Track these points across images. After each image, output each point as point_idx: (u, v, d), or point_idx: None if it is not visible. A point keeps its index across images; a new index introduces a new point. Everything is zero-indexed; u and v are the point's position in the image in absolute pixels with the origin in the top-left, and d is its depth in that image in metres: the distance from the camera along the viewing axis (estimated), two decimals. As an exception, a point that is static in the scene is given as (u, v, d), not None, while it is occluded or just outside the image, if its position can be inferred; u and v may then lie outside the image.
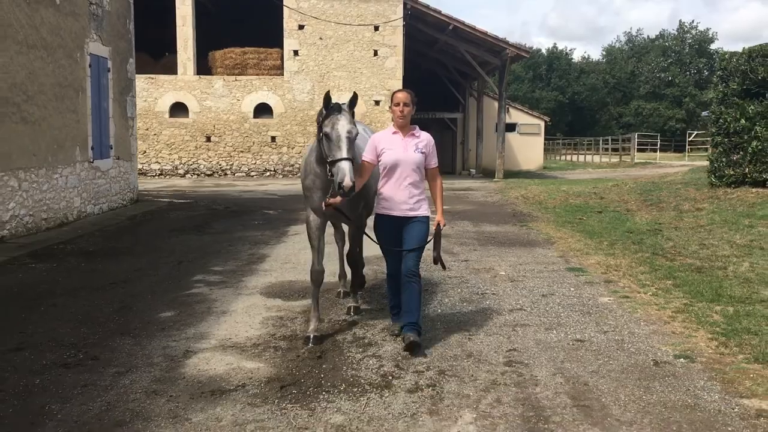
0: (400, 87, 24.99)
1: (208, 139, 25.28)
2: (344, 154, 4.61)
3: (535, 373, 4.46)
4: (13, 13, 9.80)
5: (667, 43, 71.53)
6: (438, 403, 3.99)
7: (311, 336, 5.08)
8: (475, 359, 4.74)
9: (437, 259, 5.09)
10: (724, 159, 14.44)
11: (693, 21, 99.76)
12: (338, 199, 4.78)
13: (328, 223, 5.56)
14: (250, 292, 6.77)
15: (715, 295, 6.34)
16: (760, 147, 13.20)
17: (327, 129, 4.73)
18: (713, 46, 68.84)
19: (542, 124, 36.16)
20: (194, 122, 25.16)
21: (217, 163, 25.34)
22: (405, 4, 24.88)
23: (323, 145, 4.80)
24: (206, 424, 3.70)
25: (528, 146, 35.28)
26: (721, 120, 14.57)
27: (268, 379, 4.36)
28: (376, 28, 25.02)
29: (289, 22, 24.82)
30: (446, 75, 33.01)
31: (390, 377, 4.39)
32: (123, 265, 8.19)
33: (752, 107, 13.56)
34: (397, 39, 25.16)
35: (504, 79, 26.86)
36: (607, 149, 42.10)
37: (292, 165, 25.19)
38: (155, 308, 6.13)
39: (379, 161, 5.10)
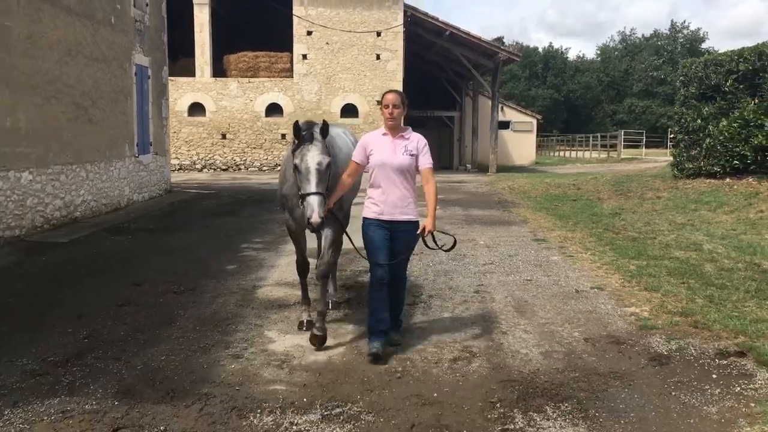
0: (401, 88, 27.18)
1: (224, 136, 27.40)
2: (312, 188, 4.53)
3: (494, 297, 6.62)
4: (82, 33, 11.92)
5: (659, 42, 73.64)
6: (427, 310, 6.14)
7: (304, 320, 5.58)
8: (454, 290, 6.90)
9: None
10: (684, 154, 16.59)
11: (685, 21, 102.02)
12: (329, 206, 4.84)
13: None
14: (288, 254, 8.90)
15: (637, 255, 8.49)
16: (712, 143, 15.29)
17: (297, 161, 4.67)
18: (704, 45, 70.96)
19: (535, 122, 38.29)
20: (211, 121, 27.29)
21: (232, 158, 27.47)
22: (405, 12, 26.98)
23: (295, 175, 4.78)
24: (280, 318, 5.87)
25: (521, 143, 37.41)
26: (682, 120, 16.74)
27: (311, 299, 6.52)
28: (379, 34, 27.12)
29: (298, 29, 26.92)
30: (444, 76, 35.08)
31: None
32: (181, 238, 10.33)
33: (706, 109, 15.68)
34: (398, 44, 27.26)
35: (497, 80, 28.96)
36: (597, 146, 44.19)
37: (301, 160, 27.30)
38: (221, 263, 8.29)
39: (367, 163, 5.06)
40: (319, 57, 27.15)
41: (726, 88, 15.18)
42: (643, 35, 77.82)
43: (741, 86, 14.84)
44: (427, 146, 5.07)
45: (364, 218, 5.06)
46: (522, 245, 9.58)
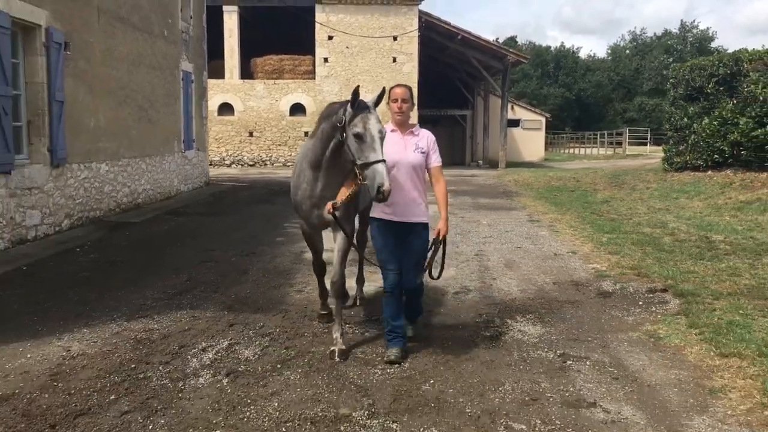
0: (416, 89, 29.05)
1: (251, 134, 29.41)
2: (380, 155, 4.33)
3: (490, 258, 8.51)
4: (143, 46, 13.90)
5: (670, 42, 74.92)
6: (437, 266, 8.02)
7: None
8: (458, 253, 8.79)
9: (426, 268, 4.91)
10: (673, 149, 18.36)
11: (694, 20, 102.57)
12: (342, 197, 4.64)
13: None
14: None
15: (611, 230, 10.34)
16: (696, 140, 17.03)
17: (358, 129, 4.42)
18: (714, 44, 72.21)
19: (543, 120, 40.01)
20: (239, 120, 29.32)
21: (258, 155, 29.48)
22: (420, 17, 28.83)
23: (349, 146, 4.49)
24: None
25: (531, 140, 39.16)
26: (671, 118, 18.50)
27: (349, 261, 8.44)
28: (395, 38, 29.00)
29: (320, 34, 28.87)
30: (456, 76, 36.89)
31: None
32: (231, 219, 12.28)
33: (692, 108, 17.43)
34: (413, 47, 29.12)
35: (506, 81, 30.76)
36: (605, 143, 45.80)
37: (323, 156, 29.27)
38: (271, 237, 10.23)
39: None
40: (340, 60, 29.07)
41: (708, 90, 16.91)
42: (655, 34, 79.23)
43: (721, 88, 16.57)
44: (436, 143, 4.88)
45: (371, 218, 4.86)
46: (518, 224, 11.45)
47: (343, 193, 4.64)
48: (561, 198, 15.94)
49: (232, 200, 15.84)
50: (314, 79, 29.24)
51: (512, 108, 37.39)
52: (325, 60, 29.11)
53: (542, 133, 40.16)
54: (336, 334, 4.97)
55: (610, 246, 9.08)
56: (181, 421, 3.79)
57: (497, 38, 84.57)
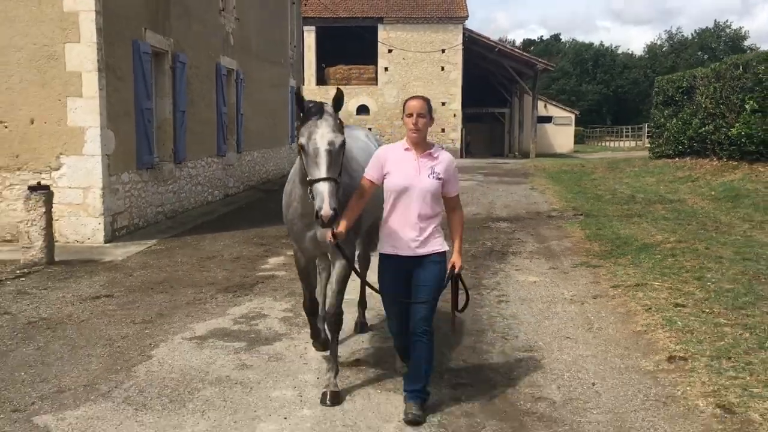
0: (460, 93, 35.36)
1: (369, 129, 36.13)
2: (322, 172, 3.65)
3: (496, 203, 14.87)
4: (270, 72, 20.56)
5: (704, 41, 79.04)
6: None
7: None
8: (473, 202, 15.12)
9: (452, 318, 4.22)
10: (655, 142, 24.27)
11: (727, 20, 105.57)
12: (341, 232, 3.95)
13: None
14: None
15: (576, 192, 16.52)
16: (668, 135, 22.86)
17: (302, 139, 3.80)
18: (746, 43, 76.18)
19: (573, 117, 45.75)
20: (315, 118, 36.05)
21: (330, 147, 36.18)
22: (464, 33, 35.02)
23: (301, 159, 3.88)
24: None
25: (561, 134, 44.92)
26: (654, 119, 24.41)
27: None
28: (443, 51, 35.25)
29: (381, 48, 35.34)
30: (496, 79, 42.87)
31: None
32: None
33: (666, 111, 23.30)
34: (458, 58, 35.31)
35: (536, 84, 36.76)
36: (631, 136, 51.16)
37: (383, 148, 35.78)
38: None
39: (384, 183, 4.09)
40: (398, 69, 35.49)
41: (676, 98, 22.75)
42: (694, 31, 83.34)
43: (685, 97, 22.39)
44: (456, 170, 4.18)
45: (380, 254, 4.20)
46: (521, 190, 17.74)
47: (347, 217, 4.02)
48: (562, 177, 22.05)
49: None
50: (377, 84, 35.73)
51: (545, 106, 43.28)
52: (386, 69, 35.57)
53: (572, 128, 45.85)
54: (329, 374, 4.36)
55: (569, 199, 15.31)
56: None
57: (541, 36, 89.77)
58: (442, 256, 4.09)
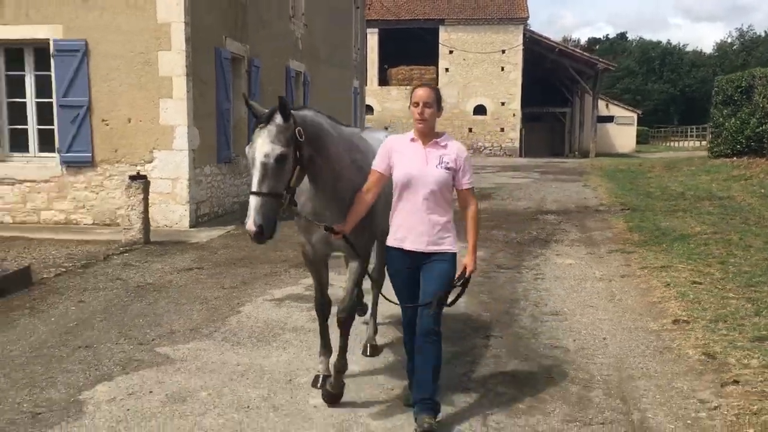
0: (519, 93, 35.90)
1: (386, 128, 37.22)
2: (253, 185, 3.52)
3: (547, 198, 15.62)
4: (335, 75, 21.75)
5: (777, 38, 76.71)
6: (514, 201, 15.23)
7: (321, 375, 4.38)
8: (533, 198, 15.89)
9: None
10: (714, 141, 24.39)
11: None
12: (346, 227, 3.86)
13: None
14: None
15: (629, 189, 17.07)
16: (727, 134, 23.00)
17: (246, 148, 3.65)
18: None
19: (635, 116, 45.56)
20: (377, 118, 37.20)
21: (392, 145, 37.30)
22: (524, 34, 35.55)
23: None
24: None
25: (623, 134, 44.80)
26: (713, 118, 24.53)
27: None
28: (503, 52, 35.87)
29: (442, 49, 36.22)
30: (557, 79, 43.11)
31: (505, 199, 15.74)
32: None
33: (725, 111, 23.42)
34: (518, 58, 35.86)
35: (597, 84, 36.94)
36: (698, 136, 50.46)
37: (443, 147, 36.64)
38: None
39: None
40: (458, 70, 36.30)
41: (735, 98, 22.85)
42: (765, 31, 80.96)
43: (744, 97, 22.49)
44: (470, 161, 3.92)
45: (387, 247, 3.99)
46: (574, 186, 18.39)
47: (354, 212, 3.89)
48: (617, 175, 22.49)
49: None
50: (437, 85, 36.59)
51: (606, 106, 43.32)
52: (446, 70, 36.43)
53: (633, 128, 45.66)
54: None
55: (620, 195, 15.91)
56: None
57: (606, 34, 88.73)
58: (451, 257, 3.83)
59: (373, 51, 36.92)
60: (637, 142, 47.46)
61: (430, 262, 3.80)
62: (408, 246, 3.82)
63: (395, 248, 3.89)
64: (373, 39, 36.78)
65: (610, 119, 43.95)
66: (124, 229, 9.69)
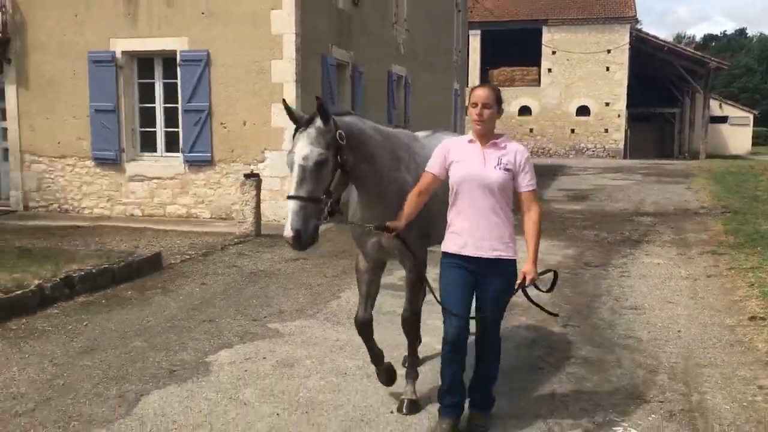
0: (625, 94, 35.13)
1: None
2: (291, 189, 3.45)
3: (646, 200, 15.55)
4: (434, 78, 22.30)
5: None
6: (612, 202, 15.26)
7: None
8: (631, 200, 15.85)
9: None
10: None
11: None
12: (399, 223, 3.70)
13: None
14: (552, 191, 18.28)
15: (733, 192, 16.64)
16: None
17: (286, 154, 3.63)
18: None
19: (751, 117, 43.42)
20: (478, 119, 37.45)
21: (492, 146, 37.45)
22: (631, 33, 34.77)
23: None
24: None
25: (737, 135, 42.81)
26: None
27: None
28: (608, 51, 35.22)
29: (545, 50, 36.01)
30: (666, 79, 41.75)
31: (601, 200, 15.79)
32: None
33: None
34: (624, 58, 35.11)
35: (708, 84, 35.58)
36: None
37: (543, 148, 36.37)
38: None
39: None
40: (561, 70, 35.97)
41: None
42: None
43: None
44: (530, 162, 3.75)
45: (443, 252, 3.82)
46: (676, 189, 18.10)
47: (406, 211, 3.73)
48: (725, 178, 21.77)
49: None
50: (539, 85, 36.44)
51: (720, 106, 41.59)
52: (549, 70, 36.19)
53: (749, 129, 43.49)
54: (407, 381, 4.22)
55: (723, 198, 15.59)
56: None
57: (724, 30, 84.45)
58: (511, 265, 3.72)
59: (475, 52, 37.21)
60: (755, 144, 45.20)
61: (488, 273, 3.68)
62: (467, 252, 3.67)
63: (453, 255, 3.73)
64: (475, 41, 37.07)
65: (723, 120, 42.14)
66: (238, 222, 10.68)
